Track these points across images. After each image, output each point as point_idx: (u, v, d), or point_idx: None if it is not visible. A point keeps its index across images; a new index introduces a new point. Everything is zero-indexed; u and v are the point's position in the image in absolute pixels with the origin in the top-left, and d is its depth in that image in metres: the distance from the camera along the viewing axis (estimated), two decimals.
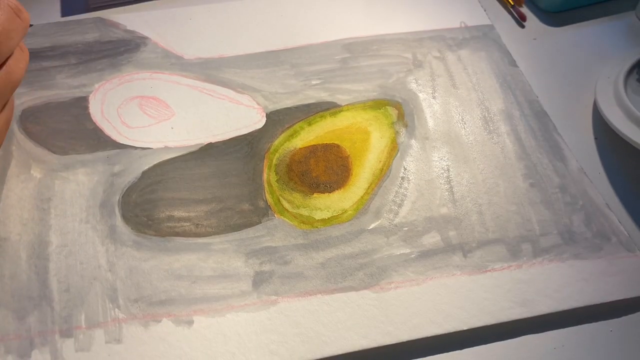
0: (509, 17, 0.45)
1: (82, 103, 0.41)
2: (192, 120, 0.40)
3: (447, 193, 0.36)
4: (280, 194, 0.36)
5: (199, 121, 0.40)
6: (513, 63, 0.44)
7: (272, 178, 0.36)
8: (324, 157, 0.37)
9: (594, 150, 0.37)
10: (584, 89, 0.40)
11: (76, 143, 0.38)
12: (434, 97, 0.41)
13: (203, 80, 0.42)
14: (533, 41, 0.44)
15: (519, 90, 0.42)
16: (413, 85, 0.42)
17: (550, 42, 0.43)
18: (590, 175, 0.37)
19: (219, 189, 0.36)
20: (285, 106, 0.40)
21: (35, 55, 0.44)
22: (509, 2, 0.46)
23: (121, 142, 0.38)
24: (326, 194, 0.36)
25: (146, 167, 0.37)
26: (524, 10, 0.46)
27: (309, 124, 0.39)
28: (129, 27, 0.46)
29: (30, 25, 0.46)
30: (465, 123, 0.40)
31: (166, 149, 0.38)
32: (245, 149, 0.38)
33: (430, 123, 0.40)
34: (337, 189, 0.36)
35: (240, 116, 0.40)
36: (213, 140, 0.39)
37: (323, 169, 0.37)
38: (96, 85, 0.42)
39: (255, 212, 0.35)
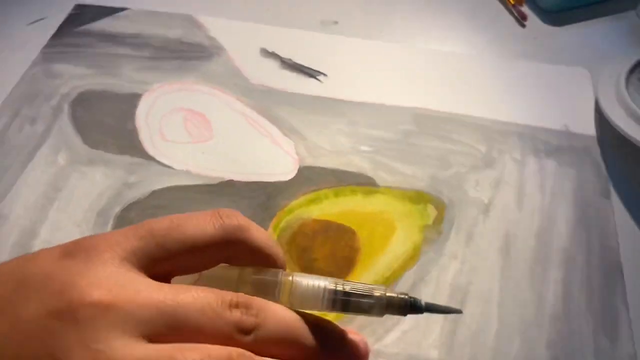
0: (510, 16, 0.46)
1: (134, 100, 0.41)
2: (225, 149, 0.38)
3: (446, 334, 0.30)
4: None
5: (232, 152, 0.38)
6: (606, 194, 0.36)
7: None
8: (333, 240, 0.34)
9: (596, 150, 0.37)
10: (584, 88, 0.40)
11: (109, 140, 0.38)
12: (486, 210, 0.35)
13: (257, 111, 0.40)
14: (534, 40, 0.44)
15: (598, 230, 0.35)
16: (470, 187, 0.36)
17: (551, 41, 0.44)
18: (591, 174, 0.36)
19: None
20: (322, 165, 0.37)
21: (117, 39, 0.44)
22: (510, 2, 0.46)
23: (149, 152, 0.38)
24: None
25: (158, 187, 0.36)
26: (525, 9, 0.46)
27: (336, 195, 0.36)
28: (212, 33, 0.45)
29: (125, 9, 0.47)
30: (508, 254, 0.33)
31: (187, 173, 0.37)
32: (262, 198, 0.35)
33: (468, 241, 0.34)
34: None
35: (274, 161, 0.37)
36: (235, 178, 0.36)
37: (326, 254, 0.33)
38: (155, 85, 0.41)
39: None
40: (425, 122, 0.40)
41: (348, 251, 0.33)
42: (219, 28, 0.46)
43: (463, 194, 0.36)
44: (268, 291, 0.23)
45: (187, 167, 0.37)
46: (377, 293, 0.24)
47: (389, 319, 0.31)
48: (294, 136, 0.39)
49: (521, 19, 0.45)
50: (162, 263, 0.22)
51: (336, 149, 0.38)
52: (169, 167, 0.37)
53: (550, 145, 0.39)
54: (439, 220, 0.35)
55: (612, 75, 0.39)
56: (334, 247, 0.33)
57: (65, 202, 0.35)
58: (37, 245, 0.33)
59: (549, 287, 0.32)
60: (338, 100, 0.41)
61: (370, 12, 0.47)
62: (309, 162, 0.37)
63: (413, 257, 0.33)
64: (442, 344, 0.30)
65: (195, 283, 0.23)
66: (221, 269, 0.24)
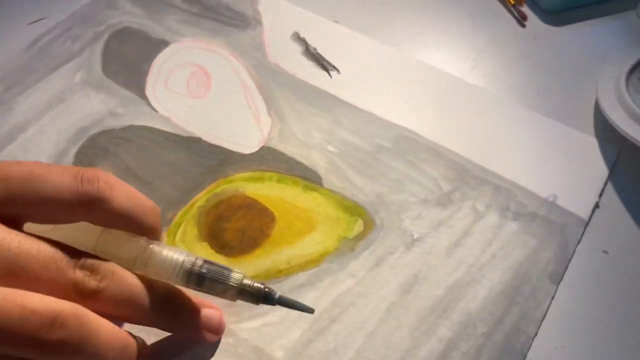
0: (510, 16, 0.46)
1: (161, 46, 0.45)
2: (210, 110, 0.40)
3: (301, 342, 0.30)
4: (186, 220, 0.35)
5: (214, 114, 0.40)
6: (555, 279, 0.32)
7: (199, 202, 0.35)
8: (250, 218, 0.34)
9: (595, 150, 0.37)
10: (585, 88, 0.40)
11: (122, 74, 0.43)
12: (410, 245, 0.34)
13: (257, 85, 0.42)
14: (534, 41, 0.44)
15: (522, 311, 0.31)
16: (408, 217, 0.35)
17: (551, 41, 0.44)
18: (591, 174, 0.36)
19: (159, 178, 0.36)
20: (283, 150, 0.38)
21: None
22: (510, 2, 0.46)
23: (147, 93, 0.41)
24: (211, 251, 0.33)
25: (135, 123, 0.39)
26: (525, 9, 0.46)
27: (278, 181, 0.36)
28: (260, 7, 0.47)
29: None
30: (407, 294, 0.32)
31: (167, 120, 0.40)
32: (215, 162, 0.37)
33: (374, 267, 0.33)
34: (224, 256, 0.33)
35: (245, 134, 0.39)
36: (204, 137, 0.39)
37: (237, 228, 0.34)
38: (185, 39, 0.45)
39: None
40: (404, 143, 0.38)
41: (258, 233, 0.34)
42: (268, 4, 0.48)
43: (397, 221, 0.34)
44: (123, 257, 0.24)
45: (169, 114, 0.40)
46: (233, 277, 0.25)
47: (260, 307, 0.31)
48: (276, 118, 0.40)
49: (521, 19, 0.45)
50: (10, 207, 0.22)
51: (305, 140, 0.39)
52: (154, 110, 0.40)
53: (524, 208, 0.35)
54: (360, 237, 0.34)
55: (612, 75, 0.38)
56: (248, 225, 0.34)
57: (59, 113, 0.40)
58: (20, 141, 0.38)
59: (428, 341, 0.30)
60: (335, 98, 0.41)
61: (370, 12, 0.47)
62: (274, 144, 0.38)
63: (315, 261, 0.33)
64: (291, 348, 0.30)
65: (49, 234, 0.23)
66: (81, 226, 0.24)
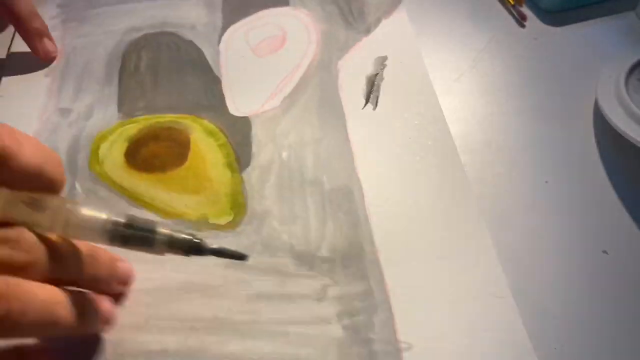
0: (509, 17, 0.46)
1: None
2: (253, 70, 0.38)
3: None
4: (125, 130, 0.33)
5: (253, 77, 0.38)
6: None
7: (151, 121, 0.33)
8: (169, 153, 0.33)
9: (595, 150, 0.37)
10: (584, 88, 0.40)
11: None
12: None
13: (306, 74, 0.38)
14: (533, 41, 0.44)
15: None
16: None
17: (550, 41, 0.44)
18: (592, 175, 0.35)
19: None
20: (258, 134, 0.35)
21: None
22: (509, 2, 0.46)
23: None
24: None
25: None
26: (524, 10, 0.46)
27: (219, 147, 0.34)
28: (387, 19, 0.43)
29: None
30: None
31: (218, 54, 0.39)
32: (206, 103, 0.35)
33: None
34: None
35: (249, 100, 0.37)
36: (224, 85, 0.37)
37: (155, 151, 0.33)
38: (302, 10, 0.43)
39: None
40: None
41: (165, 164, 0.33)
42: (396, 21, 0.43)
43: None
44: (35, 219, 0.21)
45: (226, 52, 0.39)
46: (160, 230, 0.23)
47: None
48: (284, 105, 0.37)
49: (521, 19, 0.45)
50: None
51: (278, 140, 0.35)
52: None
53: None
54: (217, 227, 0.30)
55: (612, 76, 0.38)
56: (163, 155, 0.33)
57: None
58: None
59: None
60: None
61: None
62: (232, 109, 0.36)
63: (171, 215, 0.31)
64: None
65: None
66: None
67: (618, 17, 0.46)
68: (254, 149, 0.34)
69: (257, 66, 0.39)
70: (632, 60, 0.39)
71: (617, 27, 0.45)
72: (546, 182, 0.35)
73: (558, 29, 0.45)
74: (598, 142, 0.37)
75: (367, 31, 0.41)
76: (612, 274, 0.31)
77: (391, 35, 0.41)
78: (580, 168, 0.36)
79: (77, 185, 0.31)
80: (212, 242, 0.23)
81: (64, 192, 0.31)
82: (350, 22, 0.42)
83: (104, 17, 0.41)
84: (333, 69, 0.39)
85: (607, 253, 0.32)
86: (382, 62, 0.40)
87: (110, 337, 0.26)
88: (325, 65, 0.39)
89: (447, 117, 0.37)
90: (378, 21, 0.42)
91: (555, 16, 0.46)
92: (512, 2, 0.46)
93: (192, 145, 0.33)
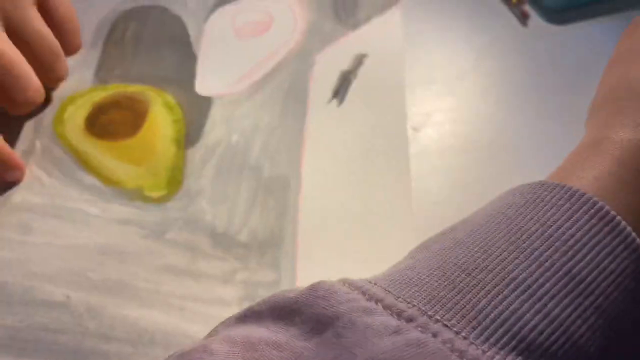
0: (511, 15, 0.45)
1: None
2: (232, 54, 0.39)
3: None
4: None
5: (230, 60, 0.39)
6: None
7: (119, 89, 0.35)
8: (124, 122, 0.35)
9: None
10: (587, 87, 0.38)
11: None
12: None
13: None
14: (535, 40, 0.43)
15: None
16: None
17: (553, 40, 0.43)
18: None
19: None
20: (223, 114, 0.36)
21: None
22: (512, 0, 0.45)
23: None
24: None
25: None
26: (527, 8, 0.45)
27: (173, 122, 0.35)
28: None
29: None
30: None
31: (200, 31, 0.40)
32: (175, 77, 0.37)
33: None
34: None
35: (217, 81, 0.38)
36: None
37: (113, 118, 0.35)
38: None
39: None
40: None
41: (117, 131, 0.34)
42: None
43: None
44: None
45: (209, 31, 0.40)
46: None
47: None
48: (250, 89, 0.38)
49: (523, 18, 0.45)
50: None
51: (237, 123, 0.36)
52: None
53: None
54: (148, 199, 0.32)
55: None
56: (118, 121, 0.35)
57: None
58: None
59: None
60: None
61: None
62: (199, 87, 0.37)
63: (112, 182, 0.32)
64: None
65: None
66: None
67: (622, 16, 0.45)
68: (207, 128, 0.35)
69: (236, 48, 0.39)
70: None
71: (621, 26, 0.43)
72: None
73: (560, 28, 0.44)
74: None
75: (355, 26, 0.41)
76: None
77: (378, 34, 0.41)
78: None
79: (37, 142, 0.34)
80: None
81: (26, 144, 0.34)
82: (340, 15, 0.42)
83: None
84: (309, 60, 0.39)
85: None
86: (360, 59, 0.39)
87: (20, 282, 0.28)
88: (303, 55, 0.39)
89: (447, 117, 0.37)
90: (368, 18, 0.42)
91: (557, 14, 0.45)
92: (514, 1, 0.45)
93: (148, 117, 0.35)
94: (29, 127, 0.34)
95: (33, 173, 0.33)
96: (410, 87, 0.39)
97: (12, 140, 0.33)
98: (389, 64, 0.39)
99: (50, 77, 0.34)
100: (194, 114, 0.35)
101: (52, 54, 0.34)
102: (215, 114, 0.36)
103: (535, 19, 0.45)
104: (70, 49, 0.36)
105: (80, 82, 0.37)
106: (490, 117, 0.38)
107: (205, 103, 0.36)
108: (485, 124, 0.38)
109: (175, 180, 0.32)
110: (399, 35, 0.41)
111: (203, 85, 0.37)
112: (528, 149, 0.37)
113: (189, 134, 0.34)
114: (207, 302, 0.28)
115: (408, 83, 0.39)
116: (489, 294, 0.18)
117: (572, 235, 0.19)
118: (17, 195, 0.32)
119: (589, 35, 0.44)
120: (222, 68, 0.38)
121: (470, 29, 0.44)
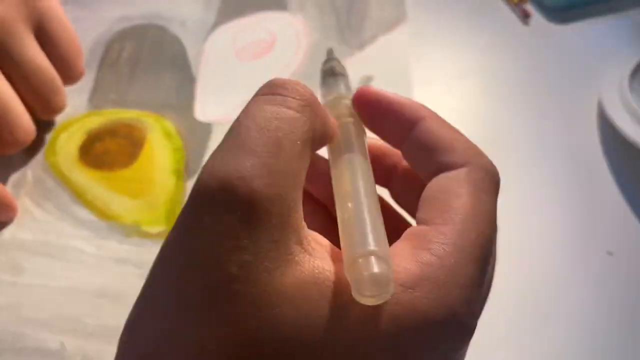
0: (513, 14, 0.45)
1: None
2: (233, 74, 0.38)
3: None
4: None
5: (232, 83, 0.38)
6: None
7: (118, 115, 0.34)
8: (122, 152, 0.33)
9: (599, 152, 0.36)
10: (588, 87, 0.39)
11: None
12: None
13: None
14: (537, 39, 0.43)
15: None
16: None
17: (554, 40, 0.43)
18: (596, 175, 0.35)
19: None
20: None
21: None
22: None
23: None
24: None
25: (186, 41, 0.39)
26: (528, 7, 0.45)
27: (173, 150, 0.33)
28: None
29: None
30: None
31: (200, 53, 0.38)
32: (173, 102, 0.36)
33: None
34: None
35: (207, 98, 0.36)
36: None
37: (108, 147, 0.33)
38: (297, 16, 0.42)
39: None
40: None
41: (114, 162, 0.33)
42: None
43: None
44: None
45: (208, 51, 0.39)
46: None
47: None
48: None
49: (525, 17, 0.45)
50: None
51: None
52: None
53: None
54: (147, 236, 0.31)
55: (616, 76, 0.38)
56: (115, 152, 0.33)
57: None
58: None
59: None
60: None
61: None
62: (198, 113, 0.35)
63: (105, 216, 0.31)
64: None
65: None
66: None
67: (624, 15, 0.45)
68: (207, 157, 0.33)
69: (236, 71, 0.38)
70: (637, 59, 0.38)
71: (622, 26, 0.44)
72: (549, 182, 0.35)
73: (562, 27, 0.44)
74: (601, 142, 0.37)
75: (360, 47, 0.40)
76: (616, 276, 0.31)
77: (384, 55, 0.40)
78: (584, 167, 0.35)
79: (28, 172, 0.32)
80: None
81: (17, 175, 0.32)
82: (345, 35, 0.40)
83: (101, 2, 0.41)
84: (312, 84, 0.38)
85: (611, 254, 0.32)
86: (365, 82, 0.38)
87: (11, 329, 0.26)
88: (306, 78, 0.38)
89: (448, 117, 0.36)
90: (374, 38, 0.40)
91: (559, 14, 0.45)
92: (516, 0, 0.45)
93: (146, 146, 0.33)
94: (19, 156, 0.32)
95: (24, 206, 0.31)
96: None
97: (1, 171, 0.32)
98: (394, 84, 0.38)
99: (47, 111, 0.32)
100: (194, 142, 0.34)
101: (48, 86, 0.31)
102: (215, 142, 0.34)
103: (536, 18, 0.45)
104: (71, 76, 0.33)
105: (74, 108, 0.35)
106: (490, 117, 0.38)
107: (204, 130, 0.35)
108: (485, 124, 0.38)
109: (174, 215, 0.31)
110: (405, 55, 0.40)
111: (203, 110, 0.36)
112: (528, 149, 0.36)
113: (189, 163, 0.33)
114: None
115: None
116: None
117: None
118: (6, 231, 0.30)
119: (590, 35, 0.44)
120: (222, 92, 0.37)
121: (471, 28, 0.44)
